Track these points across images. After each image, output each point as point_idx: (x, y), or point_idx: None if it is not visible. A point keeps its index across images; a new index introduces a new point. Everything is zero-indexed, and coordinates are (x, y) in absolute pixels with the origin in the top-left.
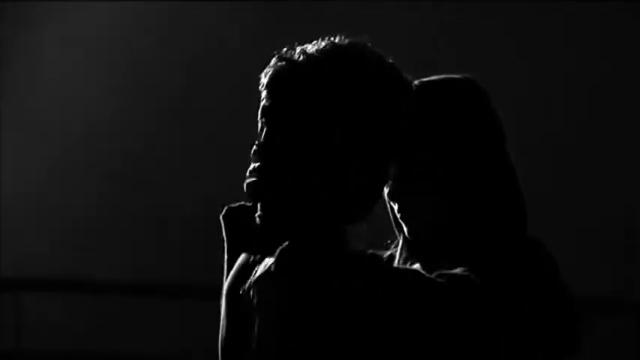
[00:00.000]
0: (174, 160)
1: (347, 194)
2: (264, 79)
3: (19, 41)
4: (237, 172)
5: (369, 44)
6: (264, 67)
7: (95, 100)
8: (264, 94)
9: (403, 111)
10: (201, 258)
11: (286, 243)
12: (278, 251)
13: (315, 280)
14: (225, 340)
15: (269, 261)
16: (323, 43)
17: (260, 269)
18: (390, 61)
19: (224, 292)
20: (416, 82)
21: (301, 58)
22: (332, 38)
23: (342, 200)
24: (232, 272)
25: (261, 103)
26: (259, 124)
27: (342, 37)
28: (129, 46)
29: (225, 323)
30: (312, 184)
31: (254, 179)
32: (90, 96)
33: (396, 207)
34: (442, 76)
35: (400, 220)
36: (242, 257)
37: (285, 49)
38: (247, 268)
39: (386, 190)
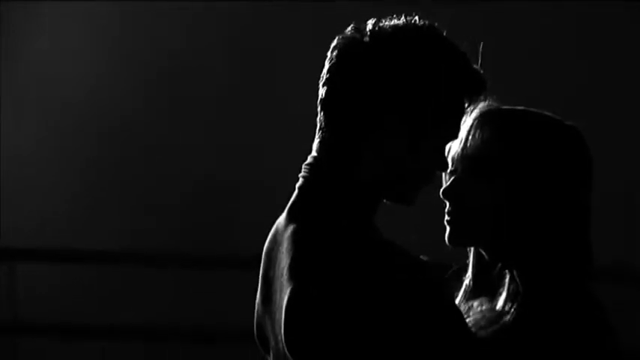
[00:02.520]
0: (169, 133)
1: (400, 169)
2: (333, 44)
3: (16, 16)
4: (230, 142)
5: (444, 31)
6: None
7: (89, 75)
8: (328, 57)
9: (463, 98)
10: (198, 228)
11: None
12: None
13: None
14: (260, 302)
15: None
16: (397, 21)
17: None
18: (463, 50)
19: (262, 256)
20: (520, 107)
21: (372, 29)
22: (408, 17)
23: (393, 175)
24: (269, 236)
25: (325, 66)
26: (320, 85)
27: (419, 19)
28: (127, 20)
29: (260, 286)
30: (365, 154)
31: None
32: (82, 71)
33: (447, 207)
34: (548, 113)
35: (445, 222)
36: (279, 221)
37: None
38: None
39: (442, 188)
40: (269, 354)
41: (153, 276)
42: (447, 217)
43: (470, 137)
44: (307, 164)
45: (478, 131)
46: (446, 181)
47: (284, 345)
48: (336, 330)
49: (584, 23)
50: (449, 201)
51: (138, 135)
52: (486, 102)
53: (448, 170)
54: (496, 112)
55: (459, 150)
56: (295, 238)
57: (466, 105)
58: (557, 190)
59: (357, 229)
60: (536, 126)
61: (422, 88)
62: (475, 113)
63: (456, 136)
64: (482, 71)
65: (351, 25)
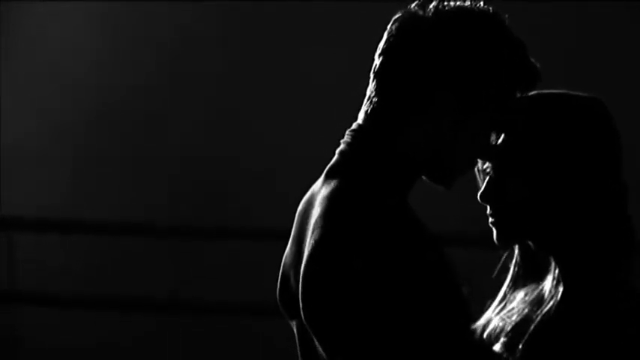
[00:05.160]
0: (169, 107)
1: (442, 148)
2: (395, 17)
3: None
4: (228, 117)
5: (506, 18)
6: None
7: (86, 46)
8: (386, 32)
9: (516, 87)
10: (198, 200)
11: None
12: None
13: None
14: (289, 263)
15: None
16: (462, 2)
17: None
18: (523, 41)
19: (295, 216)
20: (535, 92)
21: (436, 7)
22: (473, 1)
23: (435, 152)
24: (304, 198)
25: (382, 41)
26: (376, 55)
27: (486, 4)
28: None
29: (290, 246)
30: (412, 128)
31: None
32: (80, 41)
33: (488, 210)
34: (567, 92)
35: (490, 224)
36: (315, 184)
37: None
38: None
39: (480, 192)
40: (293, 318)
41: (153, 247)
42: (490, 220)
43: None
44: (351, 130)
45: None
46: (480, 181)
47: (300, 293)
48: (352, 287)
49: (583, 23)
50: (488, 204)
51: (137, 110)
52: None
53: (482, 167)
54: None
55: None
56: (329, 197)
57: (517, 95)
58: (585, 173)
59: (391, 197)
60: (556, 110)
61: (480, 70)
62: None
63: (502, 125)
64: (538, 65)
65: (415, 2)
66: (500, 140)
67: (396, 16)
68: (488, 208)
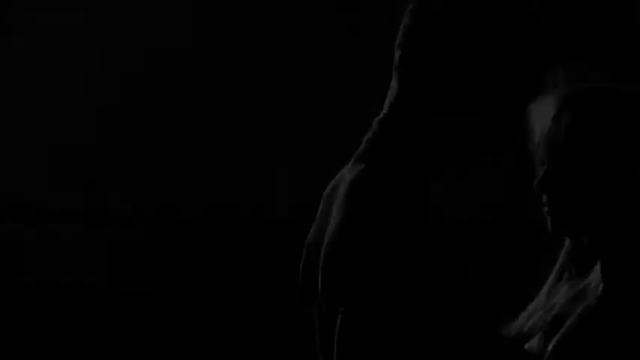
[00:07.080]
0: (162, 98)
1: (467, 137)
2: (410, 6)
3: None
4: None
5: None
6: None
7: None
8: (402, 24)
9: (538, 71)
10: (195, 191)
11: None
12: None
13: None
14: (313, 245)
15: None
16: None
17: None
18: (545, 24)
19: (321, 201)
20: (596, 85)
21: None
22: None
23: (458, 142)
24: (330, 183)
25: (399, 33)
26: (396, 54)
27: None
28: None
29: (313, 229)
30: (435, 114)
31: None
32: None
33: (544, 199)
34: (610, 85)
35: (545, 214)
36: (342, 171)
37: None
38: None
39: (535, 180)
40: (313, 301)
41: (152, 239)
42: (545, 208)
43: (551, 125)
44: (377, 119)
45: (558, 119)
46: (537, 169)
47: (320, 272)
48: (367, 270)
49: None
50: (544, 194)
51: (135, 104)
52: (565, 84)
53: (537, 159)
54: (574, 96)
55: (543, 139)
56: (352, 182)
57: (539, 79)
58: None
59: (407, 183)
60: (615, 108)
61: (501, 59)
62: (554, 99)
63: (524, 108)
64: (561, 48)
65: None
66: (547, 136)
67: (409, 7)
68: (544, 197)
